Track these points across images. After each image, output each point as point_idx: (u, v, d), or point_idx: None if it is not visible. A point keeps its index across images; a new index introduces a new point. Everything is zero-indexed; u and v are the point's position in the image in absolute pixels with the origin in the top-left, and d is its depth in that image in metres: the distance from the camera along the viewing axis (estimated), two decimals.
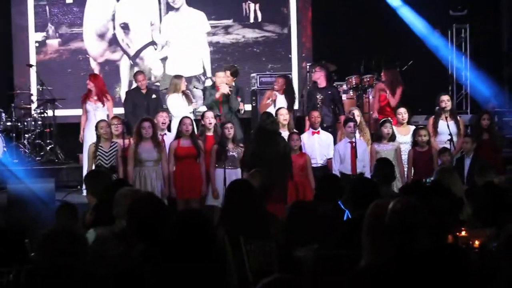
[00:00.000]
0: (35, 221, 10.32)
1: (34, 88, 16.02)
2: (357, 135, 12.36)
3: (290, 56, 17.71)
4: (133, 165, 11.29)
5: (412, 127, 12.76)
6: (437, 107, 12.84)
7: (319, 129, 12.50)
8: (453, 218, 6.70)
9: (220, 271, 5.06)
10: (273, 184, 9.29)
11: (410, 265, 4.41)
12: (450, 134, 11.97)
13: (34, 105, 15.86)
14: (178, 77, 14.04)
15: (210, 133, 12.02)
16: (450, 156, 11.74)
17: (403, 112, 12.61)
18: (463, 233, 6.73)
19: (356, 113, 12.93)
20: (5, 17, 16.96)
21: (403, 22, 17.57)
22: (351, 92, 15.54)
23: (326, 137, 12.73)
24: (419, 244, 4.47)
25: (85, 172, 11.76)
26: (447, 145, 12.01)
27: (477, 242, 6.55)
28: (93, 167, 11.44)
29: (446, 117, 12.51)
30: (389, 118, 12.81)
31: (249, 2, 17.76)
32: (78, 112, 14.62)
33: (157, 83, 16.53)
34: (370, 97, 15.19)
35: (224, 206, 7.84)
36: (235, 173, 11.23)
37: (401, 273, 4.38)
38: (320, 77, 13.98)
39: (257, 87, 15.20)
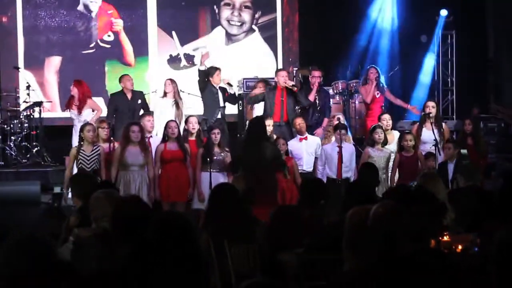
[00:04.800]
0: (20, 223, 10.34)
1: (22, 91, 15.98)
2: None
3: (276, 60, 17.86)
4: (117, 168, 11.27)
5: (397, 134, 12.93)
6: (422, 113, 12.97)
7: (306, 134, 12.59)
8: (436, 223, 6.62)
9: (202, 275, 5.01)
10: (259, 188, 9.47)
11: (392, 271, 4.43)
12: (436, 140, 12.00)
13: (21, 107, 15.83)
14: (171, 80, 14.20)
15: (192, 138, 12.12)
16: (434, 161, 12.03)
17: (387, 119, 12.79)
18: (446, 238, 6.73)
19: (341, 118, 13.16)
20: None
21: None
22: (337, 97, 15.73)
23: (313, 141, 12.73)
24: (401, 249, 4.56)
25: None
26: (433, 151, 12.07)
27: (459, 247, 6.53)
28: (75, 170, 11.42)
29: (431, 123, 12.56)
30: (379, 123, 12.59)
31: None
32: (64, 114, 14.88)
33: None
34: (357, 102, 15.56)
35: (209, 210, 7.86)
36: (221, 177, 11.36)
37: (383, 278, 4.43)
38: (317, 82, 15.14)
39: (244, 91, 15.34)
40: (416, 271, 4.46)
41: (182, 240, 4.84)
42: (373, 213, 4.64)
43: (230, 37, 17.57)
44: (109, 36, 16.89)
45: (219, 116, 13.87)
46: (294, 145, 12.59)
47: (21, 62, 16.93)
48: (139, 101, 14.43)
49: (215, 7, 17.53)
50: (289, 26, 17.66)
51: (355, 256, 4.67)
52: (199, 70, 14.43)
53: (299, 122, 12.80)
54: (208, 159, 11.33)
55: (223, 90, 14.44)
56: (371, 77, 14.68)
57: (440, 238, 6.69)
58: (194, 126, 12.21)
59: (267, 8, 17.81)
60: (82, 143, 11.75)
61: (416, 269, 4.50)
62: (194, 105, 15.02)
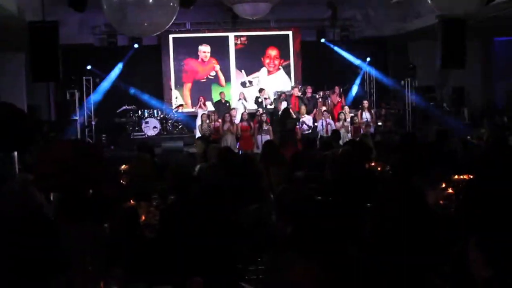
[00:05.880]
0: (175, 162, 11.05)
1: (173, 98, 24.02)
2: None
3: (290, 81, 23.21)
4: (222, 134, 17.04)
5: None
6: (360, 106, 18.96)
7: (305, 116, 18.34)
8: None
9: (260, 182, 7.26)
10: (289, 140, 15.32)
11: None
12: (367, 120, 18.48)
13: (173, 106, 22.96)
14: (242, 93, 21.34)
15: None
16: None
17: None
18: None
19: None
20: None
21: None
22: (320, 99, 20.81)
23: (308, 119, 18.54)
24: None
25: None
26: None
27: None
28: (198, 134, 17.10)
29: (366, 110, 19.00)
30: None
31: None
32: (192, 110, 22.30)
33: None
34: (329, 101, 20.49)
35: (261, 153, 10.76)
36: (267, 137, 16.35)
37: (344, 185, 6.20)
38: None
39: (276, 97, 22.16)
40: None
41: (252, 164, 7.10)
42: (340, 151, 6.99)
43: (269, 72, 23.19)
44: (212, 72, 22.75)
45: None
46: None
47: (172, 85, 22.54)
48: (227, 104, 19.79)
49: (262, 58, 22.94)
50: (296, 66, 23.22)
51: (332, 171, 6.85)
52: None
53: (303, 111, 18.11)
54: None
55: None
56: (336, 90, 19.92)
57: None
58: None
59: (286, 58, 23.65)
60: (201, 123, 17.54)
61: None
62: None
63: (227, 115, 17.64)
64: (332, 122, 17.62)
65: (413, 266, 3.61)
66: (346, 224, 4.28)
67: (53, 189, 3.09)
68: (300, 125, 17.65)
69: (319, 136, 16.84)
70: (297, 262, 2.96)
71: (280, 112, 18.45)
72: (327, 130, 17.01)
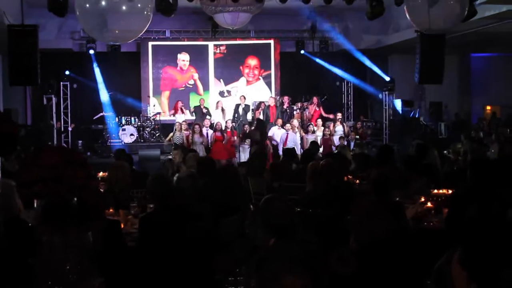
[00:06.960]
0: (151, 170, 12.62)
1: (151, 106, 22.51)
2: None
3: (270, 91, 22.92)
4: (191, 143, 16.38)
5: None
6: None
7: (280, 128, 18.32)
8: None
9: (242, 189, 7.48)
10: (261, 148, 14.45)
11: (331, 190, 6.59)
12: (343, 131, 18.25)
13: (150, 114, 21.96)
14: (219, 101, 20.64)
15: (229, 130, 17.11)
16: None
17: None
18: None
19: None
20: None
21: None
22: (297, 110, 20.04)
23: (282, 131, 17.65)
24: (335, 180, 6.89)
25: None
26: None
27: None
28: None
29: (340, 123, 18.48)
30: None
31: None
32: (170, 118, 21.31)
33: None
34: (307, 112, 19.93)
35: (247, 163, 11.11)
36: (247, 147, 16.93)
37: (328, 193, 6.48)
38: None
39: (254, 107, 20.89)
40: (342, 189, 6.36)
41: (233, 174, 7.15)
42: (321, 163, 6.91)
43: (248, 82, 23.11)
44: (191, 81, 22.70)
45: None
46: (276, 131, 17.31)
47: (150, 92, 22.17)
48: (205, 110, 19.03)
49: (241, 67, 23.05)
50: (276, 76, 23.17)
51: (312, 183, 6.86)
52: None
53: (279, 122, 17.72)
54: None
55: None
56: (314, 101, 19.47)
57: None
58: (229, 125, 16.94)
59: (266, 68, 23.32)
60: (175, 131, 17.09)
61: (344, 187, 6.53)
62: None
63: (197, 126, 17.33)
64: (294, 134, 17.70)
65: (396, 280, 3.59)
66: (328, 235, 4.10)
67: (38, 196, 3.00)
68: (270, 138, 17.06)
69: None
70: (284, 273, 2.95)
71: (255, 123, 18.16)
72: (285, 142, 17.05)
